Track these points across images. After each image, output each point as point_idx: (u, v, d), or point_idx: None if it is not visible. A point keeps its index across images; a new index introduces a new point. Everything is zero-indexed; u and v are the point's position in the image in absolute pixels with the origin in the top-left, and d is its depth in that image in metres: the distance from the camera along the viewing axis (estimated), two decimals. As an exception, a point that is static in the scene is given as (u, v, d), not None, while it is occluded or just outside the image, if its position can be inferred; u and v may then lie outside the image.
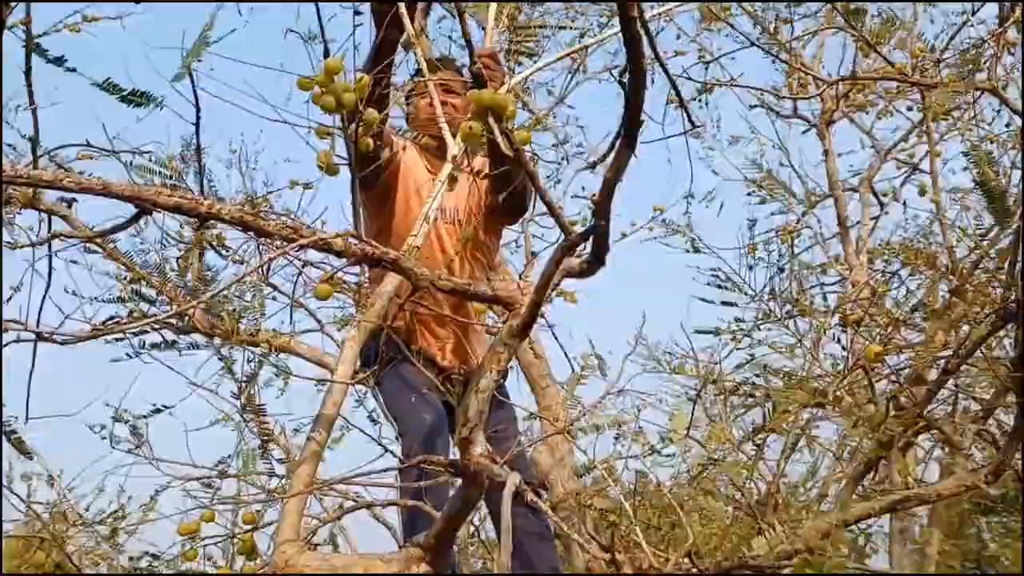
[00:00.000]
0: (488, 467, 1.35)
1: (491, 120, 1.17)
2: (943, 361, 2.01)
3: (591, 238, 1.33)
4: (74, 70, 1.33)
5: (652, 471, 4.14)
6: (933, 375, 3.23)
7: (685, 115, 1.41)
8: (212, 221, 1.38)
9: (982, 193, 1.66)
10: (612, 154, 1.24)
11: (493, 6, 2.04)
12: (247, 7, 3.96)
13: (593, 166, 1.28)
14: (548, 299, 1.49)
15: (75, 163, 3.06)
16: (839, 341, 2.54)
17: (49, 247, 2.11)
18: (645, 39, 1.13)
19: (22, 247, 2.12)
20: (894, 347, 3.00)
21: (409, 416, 2.13)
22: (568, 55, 1.77)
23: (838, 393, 1.92)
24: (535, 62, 4.27)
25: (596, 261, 1.39)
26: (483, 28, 3.38)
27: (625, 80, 1.15)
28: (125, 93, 1.37)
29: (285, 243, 1.38)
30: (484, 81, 1.17)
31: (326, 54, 1.25)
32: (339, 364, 1.62)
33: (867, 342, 2.85)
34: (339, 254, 1.39)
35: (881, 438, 1.79)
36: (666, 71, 1.22)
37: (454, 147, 1.79)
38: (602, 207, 1.28)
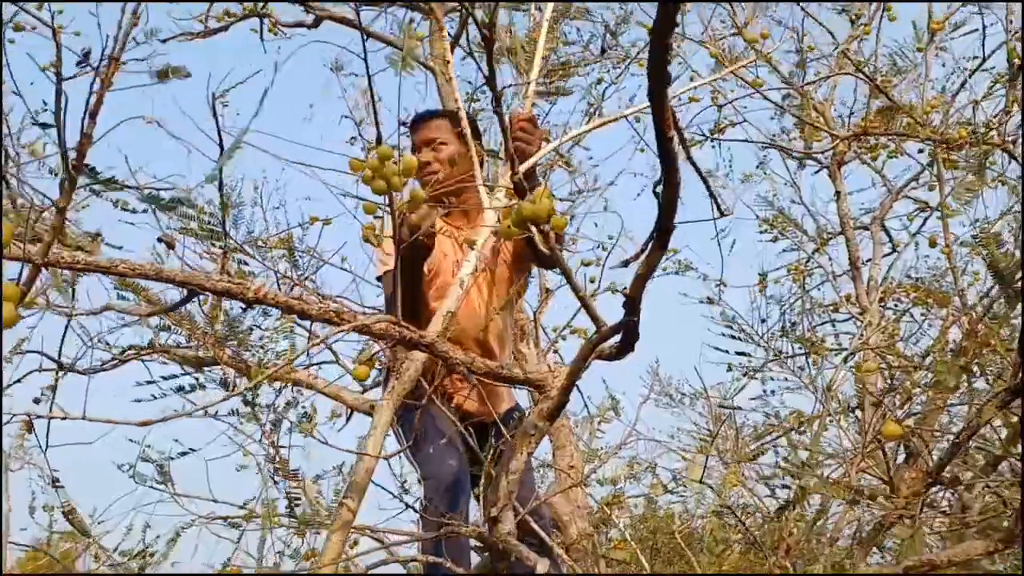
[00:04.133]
0: (517, 549, 1.41)
1: (531, 226, 1.23)
2: (954, 435, 2.05)
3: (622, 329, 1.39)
4: (117, 185, 1.38)
5: (664, 508, 4.20)
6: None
7: (714, 205, 1.47)
8: (258, 304, 1.44)
9: (992, 275, 1.72)
10: (645, 254, 1.30)
11: (541, 39, 2.11)
12: (274, 47, 4.04)
13: (626, 264, 1.34)
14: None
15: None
16: (854, 412, 2.58)
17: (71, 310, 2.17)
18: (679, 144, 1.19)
19: (78, 315, 2.17)
20: (905, 391, 3.05)
21: (433, 462, 2.17)
22: (600, 125, 1.82)
23: (860, 482, 1.97)
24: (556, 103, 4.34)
25: (625, 348, 1.45)
26: (517, 70, 3.47)
27: (659, 191, 1.21)
28: (163, 202, 1.45)
29: (328, 326, 1.44)
30: (524, 192, 1.23)
31: (379, 141, 1.31)
32: (371, 433, 1.67)
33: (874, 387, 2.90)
34: (379, 338, 1.45)
35: (900, 514, 1.84)
36: (704, 179, 1.28)
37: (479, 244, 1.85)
38: (634, 302, 1.34)
